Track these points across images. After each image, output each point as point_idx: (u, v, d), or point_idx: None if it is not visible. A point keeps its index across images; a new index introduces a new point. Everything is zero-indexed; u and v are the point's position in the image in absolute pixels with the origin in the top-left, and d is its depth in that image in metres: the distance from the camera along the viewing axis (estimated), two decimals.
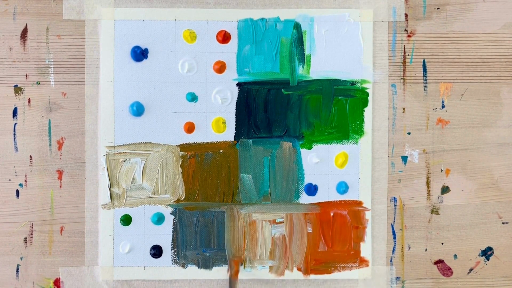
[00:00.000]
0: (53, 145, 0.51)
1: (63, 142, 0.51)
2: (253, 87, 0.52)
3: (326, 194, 0.52)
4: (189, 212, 0.52)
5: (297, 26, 0.51)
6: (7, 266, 0.52)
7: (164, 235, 0.52)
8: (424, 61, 0.52)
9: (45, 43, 0.51)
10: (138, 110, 0.51)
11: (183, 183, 0.51)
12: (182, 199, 0.52)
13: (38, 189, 0.51)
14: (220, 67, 0.51)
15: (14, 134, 0.51)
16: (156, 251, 0.52)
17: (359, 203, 0.52)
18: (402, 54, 0.52)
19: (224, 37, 0.51)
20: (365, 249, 0.52)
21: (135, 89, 0.51)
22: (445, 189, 0.53)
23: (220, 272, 0.52)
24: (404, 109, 0.52)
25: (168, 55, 0.51)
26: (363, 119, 0.52)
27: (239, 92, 0.52)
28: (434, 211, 0.53)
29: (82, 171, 0.51)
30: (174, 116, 0.51)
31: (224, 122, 0.52)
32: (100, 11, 0.51)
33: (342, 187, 0.52)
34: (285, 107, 0.52)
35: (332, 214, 0.52)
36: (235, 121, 0.52)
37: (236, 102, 0.52)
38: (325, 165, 0.52)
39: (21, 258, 0.52)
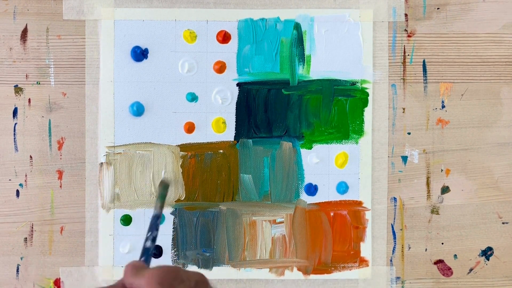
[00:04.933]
0: (53, 145, 0.51)
1: (63, 142, 0.51)
2: (253, 87, 0.52)
3: (326, 194, 0.52)
4: (189, 212, 0.52)
5: (297, 26, 0.51)
6: (7, 266, 0.52)
7: (164, 235, 0.52)
8: (424, 61, 0.52)
9: (45, 43, 0.51)
10: (138, 110, 0.51)
11: (183, 183, 0.51)
12: (182, 199, 0.52)
13: (38, 189, 0.51)
14: (220, 67, 0.51)
15: (14, 134, 0.51)
16: (156, 251, 0.52)
17: (359, 203, 0.52)
18: (402, 54, 0.52)
19: (224, 37, 0.51)
20: (365, 249, 0.52)
21: (135, 89, 0.51)
22: (445, 189, 0.53)
23: (220, 272, 0.52)
24: (404, 109, 0.52)
25: (168, 55, 0.51)
26: (363, 119, 0.52)
27: (239, 92, 0.52)
28: (434, 211, 0.53)
29: (82, 171, 0.51)
30: (174, 116, 0.51)
31: (224, 122, 0.52)
32: (100, 11, 0.51)
33: (342, 187, 0.52)
34: (285, 107, 0.52)
35: (332, 214, 0.52)
36: (235, 121, 0.52)
37: (236, 102, 0.52)
38: (325, 165, 0.52)
39: (21, 258, 0.52)
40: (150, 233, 0.35)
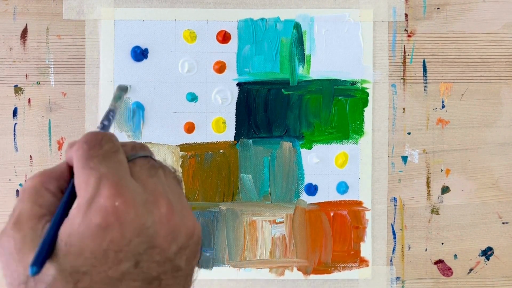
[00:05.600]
0: (53, 145, 0.51)
1: (63, 142, 0.51)
2: (253, 87, 0.52)
3: (326, 194, 0.52)
4: None
5: (297, 26, 0.51)
6: None
7: None
8: (424, 61, 0.52)
9: (45, 43, 0.51)
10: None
11: (183, 183, 0.51)
12: None
13: None
14: (220, 67, 0.51)
15: (14, 134, 0.51)
16: None
17: (359, 203, 0.52)
18: (402, 54, 0.52)
19: (224, 37, 0.51)
20: (365, 249, 0.52)
21: (135, 89, 0.51)
22: (445, 189, 0.53)
23: (220, 272, 0.52)
24: (404, 109, 0.52)
25: (168, 55, 0.51)
26: (363, 119, 0.52)
27: (239, 92, 0.52)
28: (434, 211, 0.53)
29: None
30: (174, 116, 0.51)
31: (224, 122, 0.52)
32: (100, 11, 0.51)
33: (342, 187, 0.52)
34: (285, 107, 0.52)
35: (332, 214, 0.52)
36: (235, 121, 0.52)
37: (236, 102, 0.52)
38: (325, 165, 0.52)
39: None
40: (101, 123, 0.36)
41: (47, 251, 0.24)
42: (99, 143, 0.28)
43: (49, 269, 0.24)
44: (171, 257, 0.26)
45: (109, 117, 0.37)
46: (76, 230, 0.24)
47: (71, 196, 0.27)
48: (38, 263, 0.24)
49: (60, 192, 0.28)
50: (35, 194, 0.27)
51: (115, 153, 0.28)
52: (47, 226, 0.26)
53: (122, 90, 0.46)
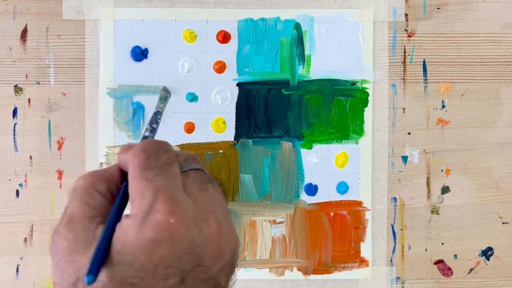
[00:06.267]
0: (53, 145, 0.51)
1: (63, 142, 0.51)
2: (253, 87, 0.52)
3: (326, 194, 0.52)
4: None
5: (297, 26, 0.51)
6: (7, 266, 0.52)
7: None
8: (424, 61, 0.52)
9: (45, 43, 0.51)
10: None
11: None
12: None
13: (38, 189, 0.51)
14: (220, 67, 0.51)
15: (14, 134, 0.51)
16: None
17: (359, 203, 0.52)
18: (402, 54, 0.52)
19: (224, 37, 0.51)
20: (365, 249, 0.52)
21: (135, 89, 0.51)
22: (445, 189, 0.53)
23: None
24: (404, 109, 0.52)
25: (168, 55, 0.51)
26: (363, 119, 0.52)
27: (239, 92, 0.52)
28: (434, 211, 0.53)
29: (82, 171, 0.51)
30: (174, 116, 0.51)
31: (224, 122, 0.52)
32: (100, 11, 0.51)
33: (342, 187, 0.52)
34: (285, 107, 0.52)
35: (332, 214, 0.52)
36: (235, 121, 0.52)
37: (236, 102, 0.52)
38: (325, 165, 0.52)
39: (21, 258, 0.52)
40: (149, 125, 0.36)
41: (102, 259, 0.24)
42: (157, 153, 0.28)
43: (101, 276, 0.24)
44: (214, 275, 0.26)
45: (157, 119, 0.37)
46: (129, 241, 0.25)
47: (123, 200, 0.27)
48: (94, 272, 0.23)
49: (109, 194, 0.28)
50: (86, 194, 0.28)
51: (170, 165, 0.28)
52: (99, 228, 0.26)
53: (167, 91, 0.46)
